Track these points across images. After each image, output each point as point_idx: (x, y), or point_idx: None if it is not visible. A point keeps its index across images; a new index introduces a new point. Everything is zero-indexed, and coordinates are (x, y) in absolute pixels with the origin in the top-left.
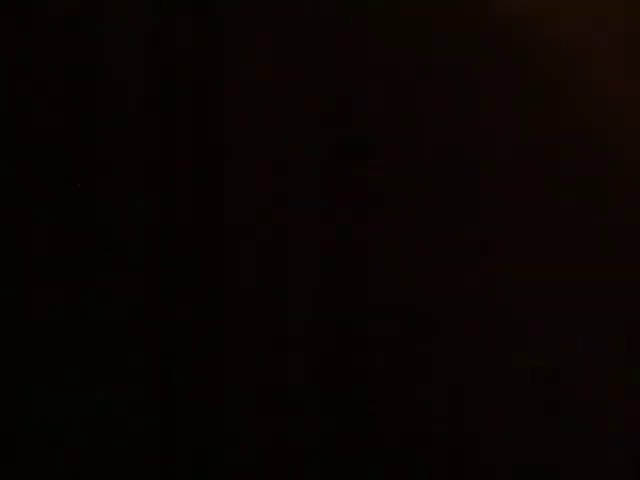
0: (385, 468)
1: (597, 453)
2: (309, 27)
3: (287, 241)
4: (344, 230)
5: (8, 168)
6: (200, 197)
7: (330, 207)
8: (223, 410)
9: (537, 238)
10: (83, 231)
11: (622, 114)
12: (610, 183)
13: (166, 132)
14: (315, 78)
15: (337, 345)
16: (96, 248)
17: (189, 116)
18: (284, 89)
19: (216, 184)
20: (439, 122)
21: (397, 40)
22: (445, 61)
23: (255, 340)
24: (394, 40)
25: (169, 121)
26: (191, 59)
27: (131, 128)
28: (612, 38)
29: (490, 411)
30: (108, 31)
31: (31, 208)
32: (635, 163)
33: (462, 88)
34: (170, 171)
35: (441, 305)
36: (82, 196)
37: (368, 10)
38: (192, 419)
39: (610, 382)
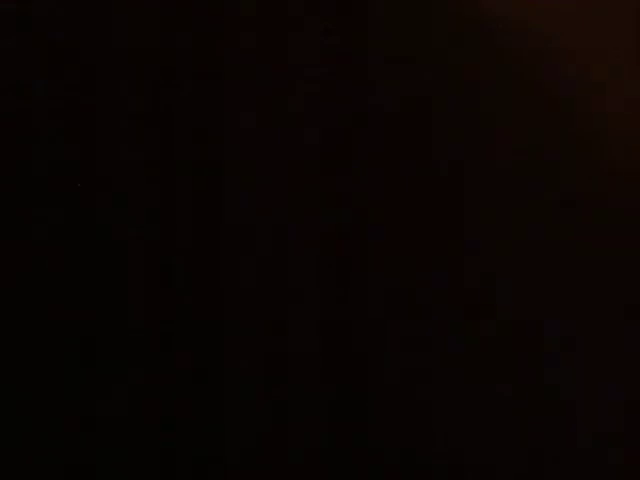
0: (385, 469)
1: (596, 456)
2: (309, 29)
3: (287, 241)
4: (344, 230)
5: (8, 168)
6: (200, 197)
7: (330, 206)
8: (223, 411)
9: (536, 239)
10: (82, 231)
11: (622, 115)
12: (610, 183)
13: (166, 132)
14: (315, 78)
15: (338, 345)
16: (95, 248)
17: (189, 116)
18: (284, 89)
19: (216, 184)
20: (437, 122)
21: (396, 42)
22: (443, 61)
23: (255, 340)
24: (393, 42)
25: (169, 121)
26: (191, 59)
27: (130, 127)
28: (612, 38)
29: (491, 414)
30: (108, 33)
31: (31, 208)
32: (636, 164)
33: (460, 89)
34: (170, 171)
35: (441, 305)
36: (81, 196)
37: (368, 12)
38: (191, 420)
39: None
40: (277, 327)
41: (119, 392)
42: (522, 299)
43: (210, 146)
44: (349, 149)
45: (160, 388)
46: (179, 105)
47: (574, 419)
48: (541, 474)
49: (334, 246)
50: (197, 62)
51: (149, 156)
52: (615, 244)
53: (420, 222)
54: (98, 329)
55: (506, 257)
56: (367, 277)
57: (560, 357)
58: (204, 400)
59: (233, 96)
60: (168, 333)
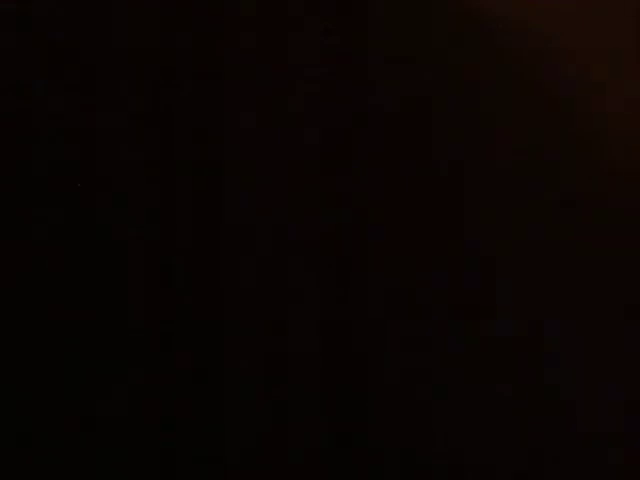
0: (385, 469)
1: (596, 455)
2: (309, 29)
3: (287, 241)
4: (344, 230)
5: (8, 168)
6: (200, 197)
7: (330, 206)
8: (223, 411)
9: (536, 239)
10: (82, 231)
11: (622, 115)
12: (610, 183)
13: (166, 132)
14: (315, 79)
15: (338, 345)
16: (95, 248)
17: (189, 116)
18: (284, 89)
19: (216, 184)
20: (437, 122)
21: (396, 42)
22: (443, 61)
23: (255, 340)
24: (393, 42)
25: (169, 121)
26: (191, 59)
27: (130, 127)
28: (612, 38)
29: (491, 414)
30: (105, 29)
31: (31, 208)
32: (636, 164)
33: (460, 89)
34: (170, 171)
35: (441, 305)
36: (81, 196)
37: (368, 12)
38: (191, 420)
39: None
40: (277, 327)
41: (119, 392)
42: (522, 299)
43: (210, 146)
44: (349, 149)
45: (160, 388)
46: (179, 105)
47: (574, 419)
48: (541, 474)
49: (334, 246)
50: (197, 62)
51: (149, 156)
52: (615, 244)
53: (420, 222)
54: (98, 329)
55: (506, 257)
56: (367, 277)
57: (560, 357)
58: (204, 400)
59: (233, 96)
60: (168, 333)
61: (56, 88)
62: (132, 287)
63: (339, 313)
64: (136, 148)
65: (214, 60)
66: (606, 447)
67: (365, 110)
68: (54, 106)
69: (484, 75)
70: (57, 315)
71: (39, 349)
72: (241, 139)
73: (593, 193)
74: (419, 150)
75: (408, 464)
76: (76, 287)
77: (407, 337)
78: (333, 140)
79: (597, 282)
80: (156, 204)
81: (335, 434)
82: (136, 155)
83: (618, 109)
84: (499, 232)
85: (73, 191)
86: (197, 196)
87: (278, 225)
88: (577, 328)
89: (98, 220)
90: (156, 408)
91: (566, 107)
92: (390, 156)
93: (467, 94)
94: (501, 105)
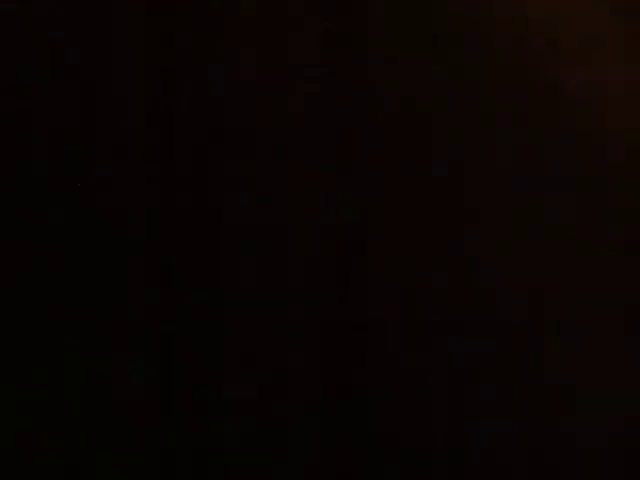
0: (386, 469)
1: (597, 451)
2: (309, 29)
3: (287, 241)
4: (344, 230)
5: (8, 168)
6: (200, 197)
7: (330, 206)
8: (222, 410)
9: (536, 239)
10: (82, 231)
11: (622, 114)
12: (610, 184)
13: (166, 132)
14: (315, 79)
15: (337, 346)
16: (95, 248)
17: (189, 116)
18: (284, 90)
19: (216, 184)
20: (437, 122)
21: (396, 42)
22: (443, 61)
23: (255, 341)
24: (393, 42)
25: (169, 121)
26: (191, 59)
27: (130, 127)
28: (613, 38)
29: (491, 414)
30: (105, 29)
31: (31, 208)
32: (636, 163)
33: (461, 89)
34: (170, 171)
35: (441, 305)
36: (81, 196)
37: (368, 9)
38: (191, 420)
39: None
40: (277, 327)
41: (119, 392)
42: (522, 299)
43: (210, 146)
44: (349, 149)
45: (160, 388)
46: (179, 105)
47: (574, 419)
48: (541, 474)
49: (334, 246)
50: (197, 62)
51: (149, 156)
52: (615, 244)
53: (420, 222)
54: (98, 329)
55: (506, 257)
56: (367, 277)
57: (560, 357)
58: (204, 399)
59: (233, 96)
60: (168, 333)
61: (56, 88)
62: (132, 287)
63: (339, 313)
64: (136, 148)
65: (214, 60)
66: (606, 447)
67: (365, 110)
68: (54, 106)
69: (484, 75)
70: (57, 315)
71: (39, 349)
72: (241, 139)
73: (593, 193)
74: (419, 150)
75: (408, 464)
76: (76, 287)
77: (407, 337)
78: (333, 140)
79: (597, 282)
80: (156, 204)
81: (335, 434)
82: (136, 155)
83: (618, 108)
84: (499, 232)
85: (73, 191)
86: (197, 196)
87: (278, 225)
88: (578, 328)
89: (98, 220)
90: (155, 408)
91: (566, 107)
92: (390, 156)
93: (467, 94)
94: (501, 105)
